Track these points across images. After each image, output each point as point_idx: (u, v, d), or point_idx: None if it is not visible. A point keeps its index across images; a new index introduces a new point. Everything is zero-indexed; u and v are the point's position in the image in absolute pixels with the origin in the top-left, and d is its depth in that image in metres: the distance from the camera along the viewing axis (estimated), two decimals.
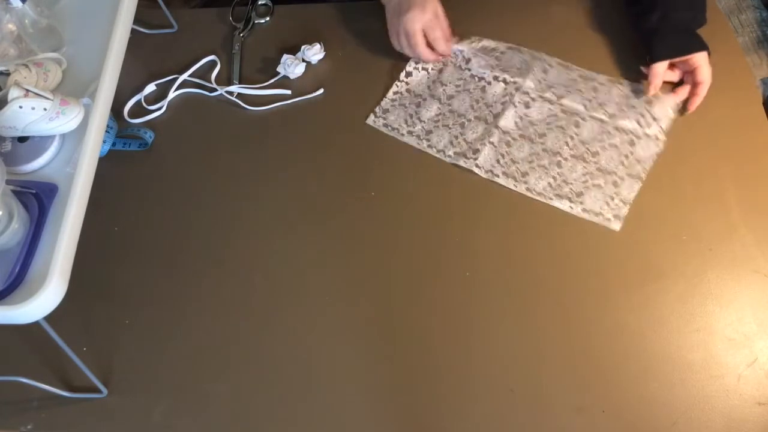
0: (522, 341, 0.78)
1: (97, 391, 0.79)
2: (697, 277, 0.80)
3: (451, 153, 0.90)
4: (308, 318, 0.82)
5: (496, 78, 0.95)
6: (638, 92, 0.92)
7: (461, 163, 0.89)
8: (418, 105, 0.94)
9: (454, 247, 0.84)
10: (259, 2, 1.09)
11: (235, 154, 0.95)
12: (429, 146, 0.90)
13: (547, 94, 0.93)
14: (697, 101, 0.89)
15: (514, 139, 0.90)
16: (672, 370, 0.74)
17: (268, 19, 1.08)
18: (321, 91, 0.98)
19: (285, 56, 1.01)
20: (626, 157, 0.88)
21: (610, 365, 0.75)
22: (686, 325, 0.77)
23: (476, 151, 0.89)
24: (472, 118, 0.92)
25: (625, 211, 0.84)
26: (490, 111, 0.92)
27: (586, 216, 0.84)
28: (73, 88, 0.81)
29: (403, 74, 0.95)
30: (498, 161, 0.88)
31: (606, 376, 0.75)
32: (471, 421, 0.74)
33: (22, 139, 0.76)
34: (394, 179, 0.90)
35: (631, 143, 0.89)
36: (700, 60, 0.87)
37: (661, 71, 0.89)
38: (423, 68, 0.97)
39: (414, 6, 0.90)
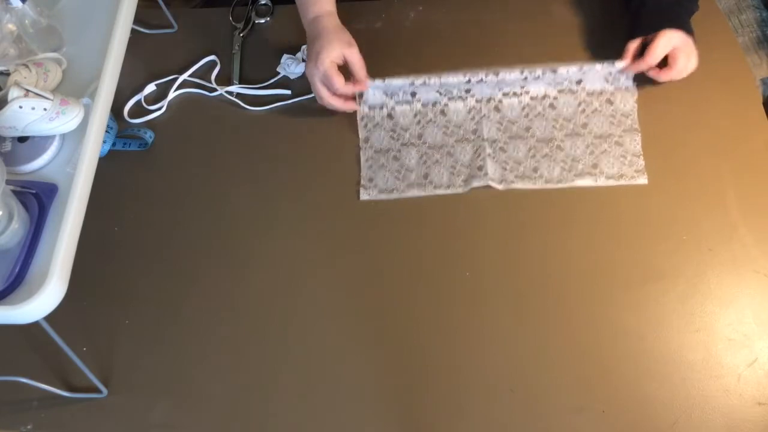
0: (522, 341, 0.78)
1: (97, 391, 0.79)
2: (697, 277, 0.80)
3: (460, 182, 0.88)
4: (308, 318, 0.82)
5: (451, 98, 0.93)
6: None
7: (476, 183, 0.87)
8: (397, 158, 0.91)
9: (453, 247, 0.84)
10: (259, 2, 1.09)
11: (235, 154, 0.95)
12: (435, 188, 0.88)
13: (508, 89, 0.92)
14: (632, 68, 0.88)
15: (505, 143, 0.90)
16: (672, 370, 0.74)
17: (268, 19, 1.08)
18: None
19: (285, 56, 1.01)
20: (612, 116, 0.90)
21: (611, 365, 0.75)
22: (686, 326, 0.77)
23: (481, 168, 0.88)
24: (454, 143, 0.91)
25: (641, 162, 0.87)
26: (466, 129, 0.91)
27: (612, 182, 0.86)
28: (73, 88, 0.81)
29: (361, 141, 0.93)
30: (505, 169, 0.88)
31: (606, 376, 0.75)
32: (471, 421, 0.74)
33: (22, 139, 0.76)
34: None
35: (609, 102, 0.91)
36: (659, 37, 0.85)
37: (631, 48, 0.88)
38: (371, 108, 0.94)
39: (309, 59, 0.88)
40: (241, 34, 1.06)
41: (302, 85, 1.00)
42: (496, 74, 0.90)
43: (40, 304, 0.62)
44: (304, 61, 1.01)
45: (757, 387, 0.73)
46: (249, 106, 0.99)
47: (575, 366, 0.76)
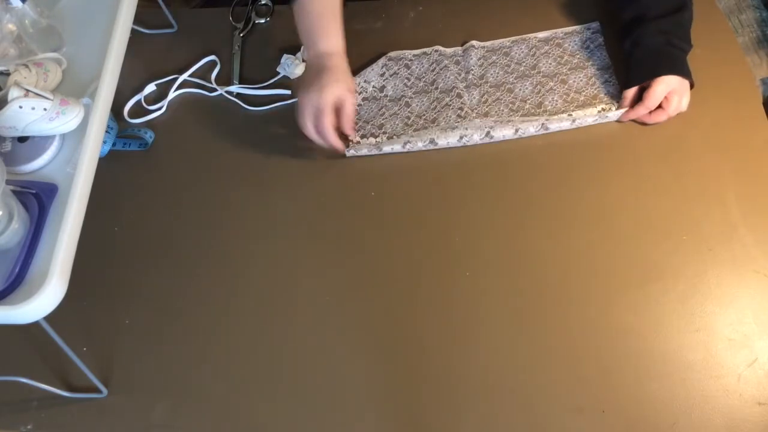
0: (522, 341, 0.78)
1: (97, 391, 0.79)
2: (697, 277, 0.80)
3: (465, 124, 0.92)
4: (308, 318, 0.82)
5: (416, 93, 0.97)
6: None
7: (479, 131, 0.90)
8: (408, 105, 0.95)
9: (453, 247, 0.84)
10: (259, 2, 1.09)
11: (235, 154, 0.95)
12: (441, 130, 0.90)
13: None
14: (630, 114, 0.89)
15: (512, 83, 0.95)
16: (672, 370, 0.74)
17: (268, 19, 1.08)
18: None
19: (285, 56, 1.01)
20: (560, 57, 0.96)
21: (610, 365, 0.75)
22: (686, 325, 0.77)
23: (487, 113, 0.93)
24: (464, 88, 0.95)
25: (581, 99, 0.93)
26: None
27: (548, 115, 0.91)
28: (73, 88, 0.81)
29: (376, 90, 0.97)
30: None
31: (606, 376, 0.75)
32: (471, 421, 0.74)
33: (22, 139, 0.76)
34: (393, 179, 0.90)
35: (559, 45, 0.96)
36: (656, 84, 0.86)
37: (629, 96, 0.89)
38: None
39: (311, 88, 0.85)
40: (241, 34, 1.06)
41: None
42: (490, 136, 0.90)
43: (40, 304, 0.62)
44: (304, 61, 1.01)
45: (757, 387, 0.73)
46: (249, 106, 0.99)
47: (575, 366, 0.76)
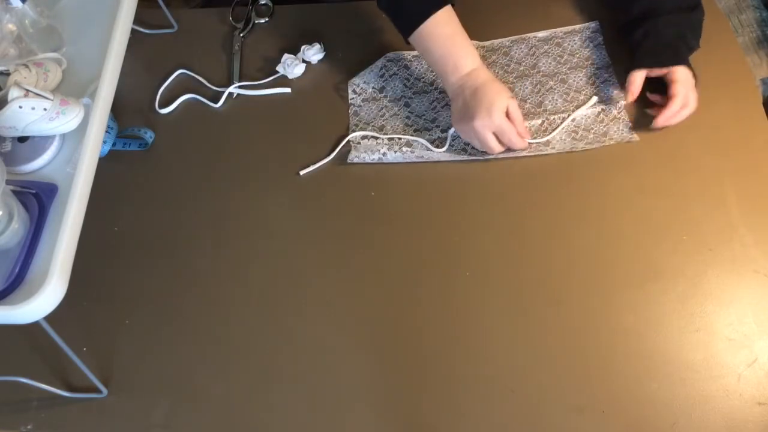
0: (522, 341, 0.78)
1: (97, 391, 0.79)
2: (697, 277, 0.80)
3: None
4: (308, 318, 0.82)
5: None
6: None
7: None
8: (408, 105, 0.96)
9: (453, 247, 0.84)
10: (259, 2, 1.09)
11: (235, 153, 0.95)
12: (443, 131, 0.91)
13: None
14: (666, 114, 0.86)
15: (512, 83, 0.96)
16: (672, 370, 0.74)
17: (268, 19, 1.08)
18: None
19: (285, 56, 1.01)
20: (560, 56, 0.97)
21: (610, 365, 0.75)
22: (686, 325, 0.77)
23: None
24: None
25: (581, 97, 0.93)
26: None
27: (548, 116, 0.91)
28: (73, 88, 0.81)
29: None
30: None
31: (606, 376, 0.75)
32: (471, 421, 0.74)
33: (22, 139, 0.76)
34: (394, 179, 0.90)
35: (559, 45, 0.96)
36: (678, 74, 0.85)
37: (637, 80, 0.88)
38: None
39: (479, 112, 0.84)
40: (241, 34, 1.06)
41: (302, 84, 1.00)
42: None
43: (40, 304, 0.62)
44: (304, 61, 1.01)
45: (757, 387, 0.73)
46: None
47: (575, 366, 0.76)
